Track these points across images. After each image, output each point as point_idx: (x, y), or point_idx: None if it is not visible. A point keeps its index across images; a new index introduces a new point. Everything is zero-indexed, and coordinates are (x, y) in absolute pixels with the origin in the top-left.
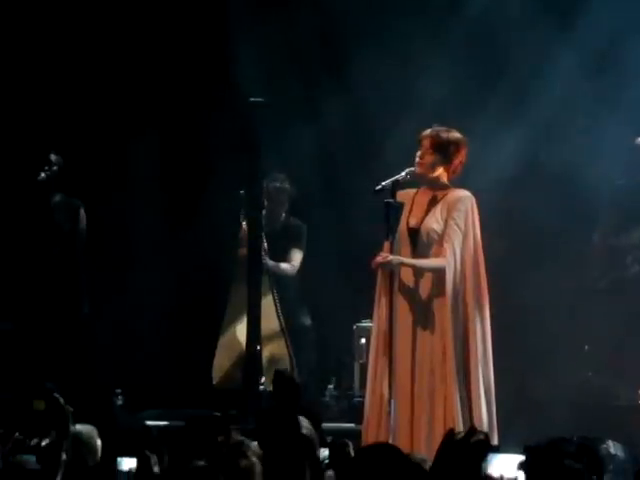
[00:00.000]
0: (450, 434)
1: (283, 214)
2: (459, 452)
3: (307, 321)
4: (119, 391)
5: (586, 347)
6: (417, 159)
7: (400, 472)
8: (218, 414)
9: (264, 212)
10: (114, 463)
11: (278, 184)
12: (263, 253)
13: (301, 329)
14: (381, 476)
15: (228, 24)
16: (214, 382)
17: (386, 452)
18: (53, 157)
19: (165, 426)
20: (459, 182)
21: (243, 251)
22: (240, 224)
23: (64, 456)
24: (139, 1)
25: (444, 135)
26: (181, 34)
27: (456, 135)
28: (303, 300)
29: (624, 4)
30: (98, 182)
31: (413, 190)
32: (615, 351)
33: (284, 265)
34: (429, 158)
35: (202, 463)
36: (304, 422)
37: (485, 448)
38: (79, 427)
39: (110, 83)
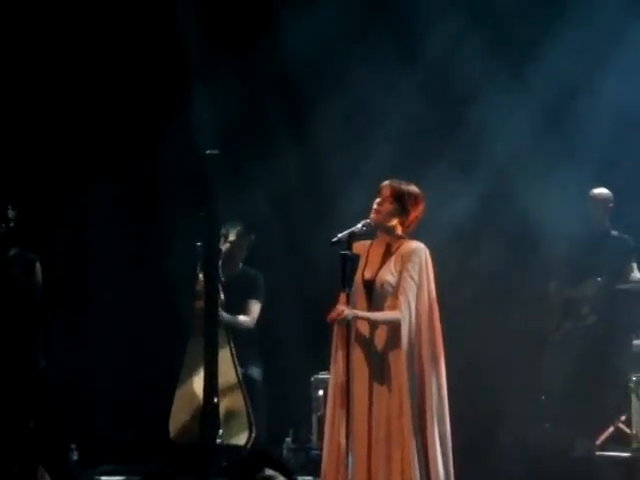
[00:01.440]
0: None
1: (240, 264)
2: None
3: (259, 375)
4: (74, 446)
5: (543, 398)
6: (375, 206)
7: None
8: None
9: (221, 262)
10: None
11: (237, 234)
12: (220, 307)
13: (252, 383)
14: None
15: (185, 75)
16: (171, 435)
17: None
18: (10, 212)
19: None
20: (414, 234)
21: (200, 303)
22: (197, 276)
23: None
24: (91, 46)
25: (404, 187)
26: (136, 82)
27: (415, 189)
28: (259, 352)
29: (576, 56)
30: (53, 236)
31: (368, 242)
32: (571, 402)
33: (241, 318)
34: (387, 207)
35: None
36: (279, 478)
37: None
38: None
39: (63, 134)
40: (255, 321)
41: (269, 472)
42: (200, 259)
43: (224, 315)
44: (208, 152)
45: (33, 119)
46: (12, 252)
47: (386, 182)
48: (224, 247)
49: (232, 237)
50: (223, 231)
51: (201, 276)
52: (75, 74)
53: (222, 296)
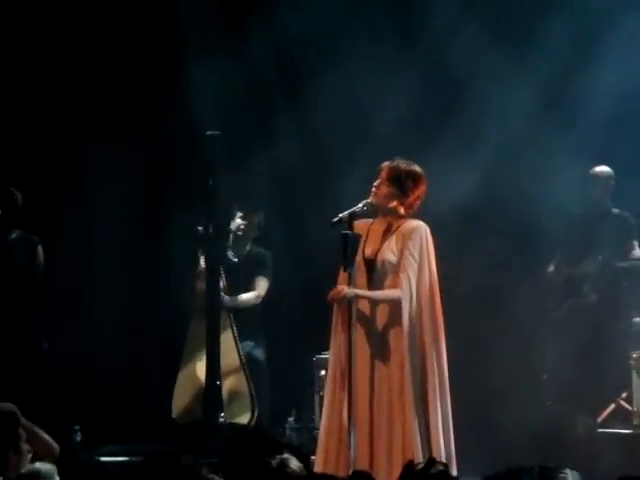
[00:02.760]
0: (410, 465)
1: (249, 244)
2: None
3: (262, 355)
4: (77, 427)
5: (544, 376)
6: (373, 189)
7: None
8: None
9: (230, 242)
10: None
11: (246, 213)
12: (221, 292)
13: (255, 363)
14: None
15: (180, 56)
16: (174, 416)
17: None
18: (11, 195)
19: (124, 462)
20: (418, 214)
21: (202, 285)
22: (198, 259)
23: None
24: (90, 28)
25: (402, 167)
26: (133, 66)
27: (415, 169)
28: (261, 332)
29: (574, 36)
30: (55, 218)
31: (369, 220)
32: (573, 380)
33: (245, 296)
34: (384, 189)
35: None
36: (293, 460)
37: (445, 479)
38: (38, 465)
39: (62, 114)
40: (261, 298)
41: (285, 455)
42: (200, 242)
43: (226, 298)
44: (208, 133)
45: (32, 99)
46: (14, 235)
47: (385, 163)
48: (233, 226)
49: (240, 216)
50: (233, 211)
51: (202, 259)
52: (73, 55)
53: (224, 279)
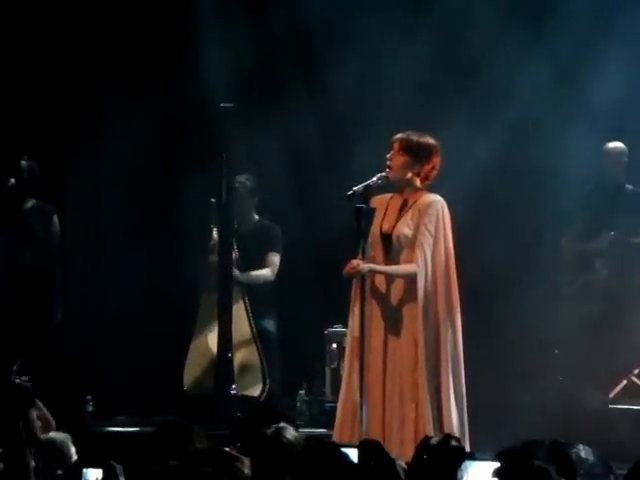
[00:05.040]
0: (425, 440)
1: (255, 216)
2: (434, 458)
3: (273, 328)
4: (89, 397)
5: (556, 351)
6: (387, 162)
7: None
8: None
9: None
10: (81, 471)
11: (241, 181)
12: (234, 266)
13: (266, 335)
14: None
15: (195, 26)
16: (185, 388)
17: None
18: (24, 163)
19: (135, 432)
20: (430, 186)
21: (214, 258)
22: (211, 232)
23: (32, 463)
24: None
25: (414, 138)
26: (146, 37)
27: (428, 140)
28: (273, 305)
29: (592, 10)
30: (70, 189)
31: (388, 195)
32: (584, 355)
33: (260, 272)
34: (398, 160)
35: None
36: (289, 429)
37: (461, 455)
38: (52, 434)
39: (77, 92)
40: (275, 274)
41: (280, 424)
42: (214, 215)
43: (239, 275)
44: (222, 105)
45: (41, 70)
46: (30, 204)
47: (397, 135)
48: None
49: (235, 186)
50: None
51: (215, 231)
52: (90, 16)
53: (236, 253)
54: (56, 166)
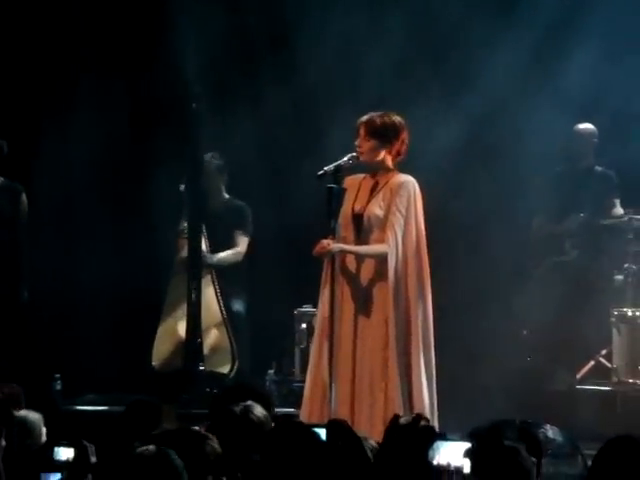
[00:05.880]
0: (395, 419)
1: (225, 194)
2: (404, 438)
3: (242, 308)
4: (58, 376)
5: (524, 332)
6: (357, 148)
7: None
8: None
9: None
10: (53, 449)
11: (207, 159)
12: (204, 250)
13: (236, 315)
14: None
15: (167, 9)
16: (153, 364)
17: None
18: None
19: (104, 411)
20: (401, 166)
21: (183, 241)
22: (181, 215)
23: (3, 442)
24: None
25: (378, 120)
26: (119, 18)
27: (392, 118)
28: (242, 285)
29: None
30: (39, 168)
31: (361, 176)
32: (553, 336)
33: (227, 253)
34: (366, 145)
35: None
36: (257, 407)
37: (431, 435)
38: (23, 413)
39: (48, 71)
40: (242, 254)
41: (248, 402)
42: (183, 199)
43: (208, 258)
44: (193, 93)
45: (11, 48)
46: None
47: (361, 119)
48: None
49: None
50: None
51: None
52: (57, 11)
53: (205, 236)
54: (25, 144)
